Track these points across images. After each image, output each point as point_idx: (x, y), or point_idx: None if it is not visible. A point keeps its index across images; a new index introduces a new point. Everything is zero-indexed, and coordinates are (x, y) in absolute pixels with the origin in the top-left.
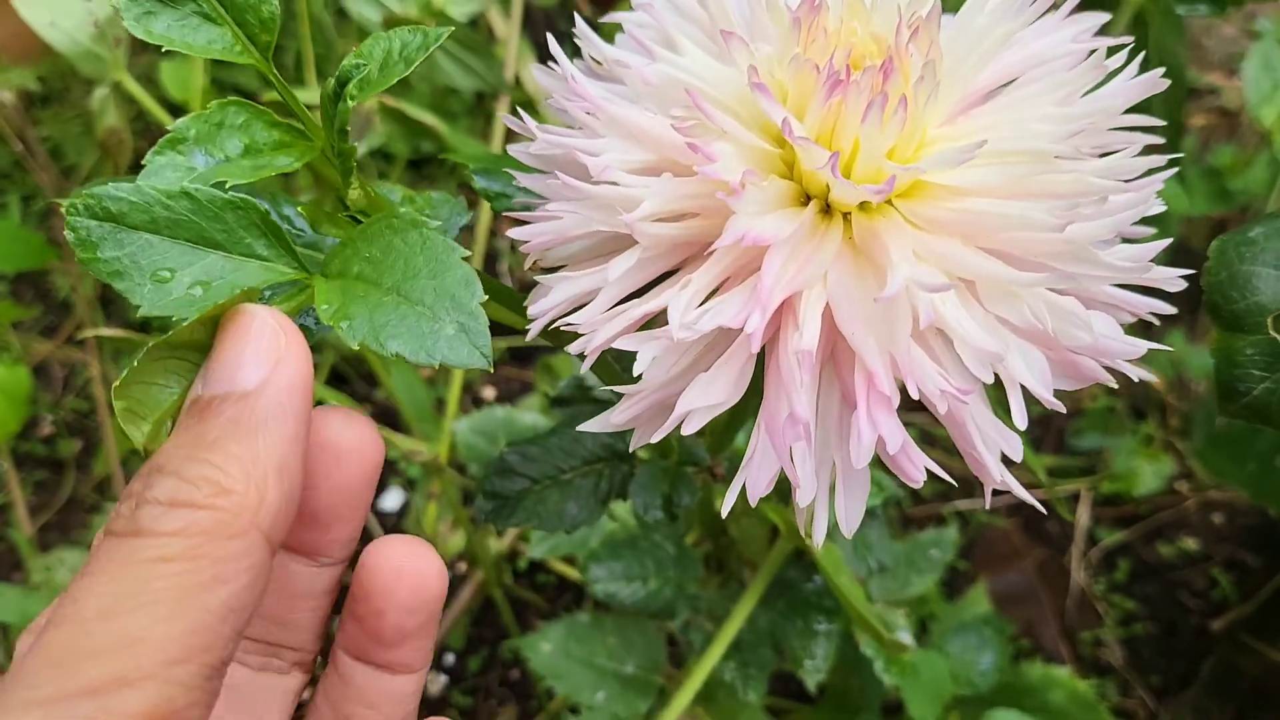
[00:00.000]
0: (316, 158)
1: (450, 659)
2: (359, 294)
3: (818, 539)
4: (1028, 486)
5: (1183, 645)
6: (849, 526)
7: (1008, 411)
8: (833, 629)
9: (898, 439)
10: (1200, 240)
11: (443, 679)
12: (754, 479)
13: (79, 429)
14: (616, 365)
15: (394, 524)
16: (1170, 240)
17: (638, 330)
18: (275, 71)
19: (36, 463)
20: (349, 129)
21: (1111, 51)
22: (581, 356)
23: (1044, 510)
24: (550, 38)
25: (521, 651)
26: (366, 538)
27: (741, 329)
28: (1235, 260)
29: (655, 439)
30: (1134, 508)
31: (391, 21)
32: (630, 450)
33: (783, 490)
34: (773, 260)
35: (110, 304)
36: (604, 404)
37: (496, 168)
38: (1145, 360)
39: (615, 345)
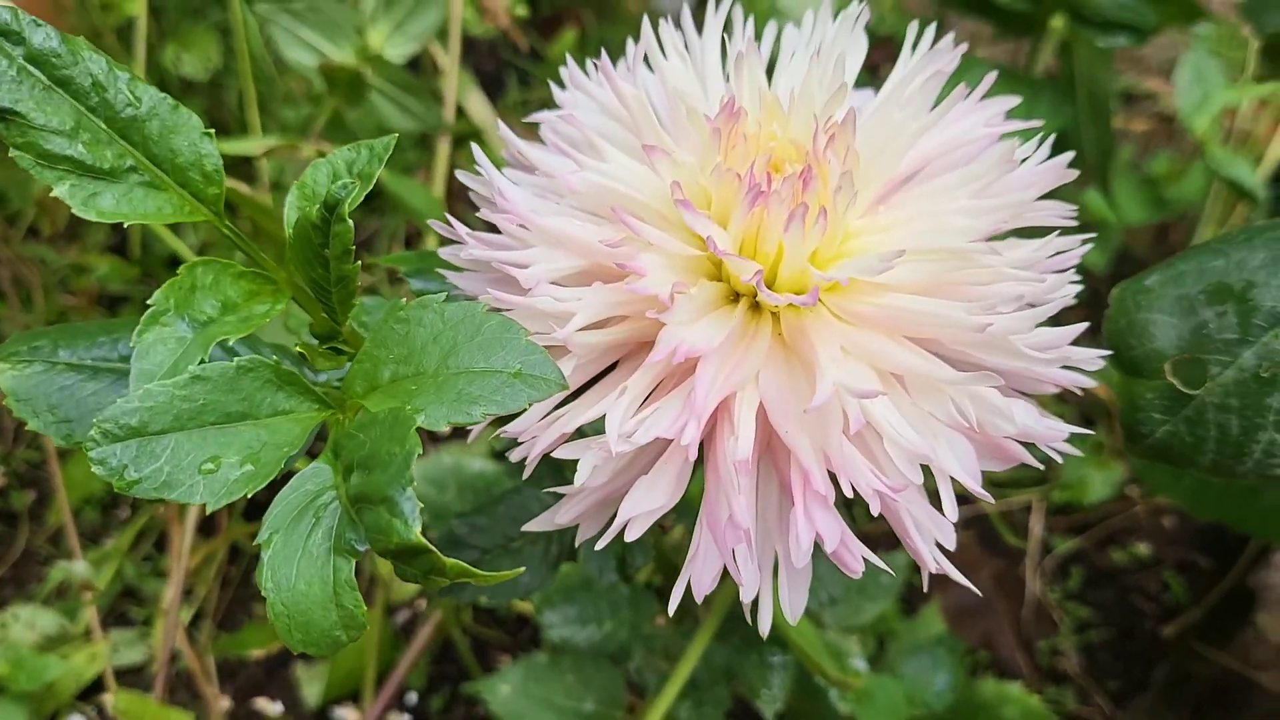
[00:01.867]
0: (294, 293)
1: (413, 698)
2: (412, 390)
3: (763, 628)
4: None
5: (1138, 650)
6: (793, 615)
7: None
8: (788, 659)
9: (835, 535)
10: (1143, 248)
11: (406, 718)
12: (698, 576)
13: (30, 480)
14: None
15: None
16: (1085, 325)
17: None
18: (228, 225)
19: None
20: (351, 249)
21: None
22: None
23: (973, 588)
24: (475, 148)
25: (481, 695)
26: None
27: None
28: (1133, 308)
29: (599, 547)
30: (1086, 515)
31: (328, 68)
32: (575, 546)
33: None
34: (705, 370)
35: None
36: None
37: (429, 268)
38: (1095, 374)
39: (555, 454)
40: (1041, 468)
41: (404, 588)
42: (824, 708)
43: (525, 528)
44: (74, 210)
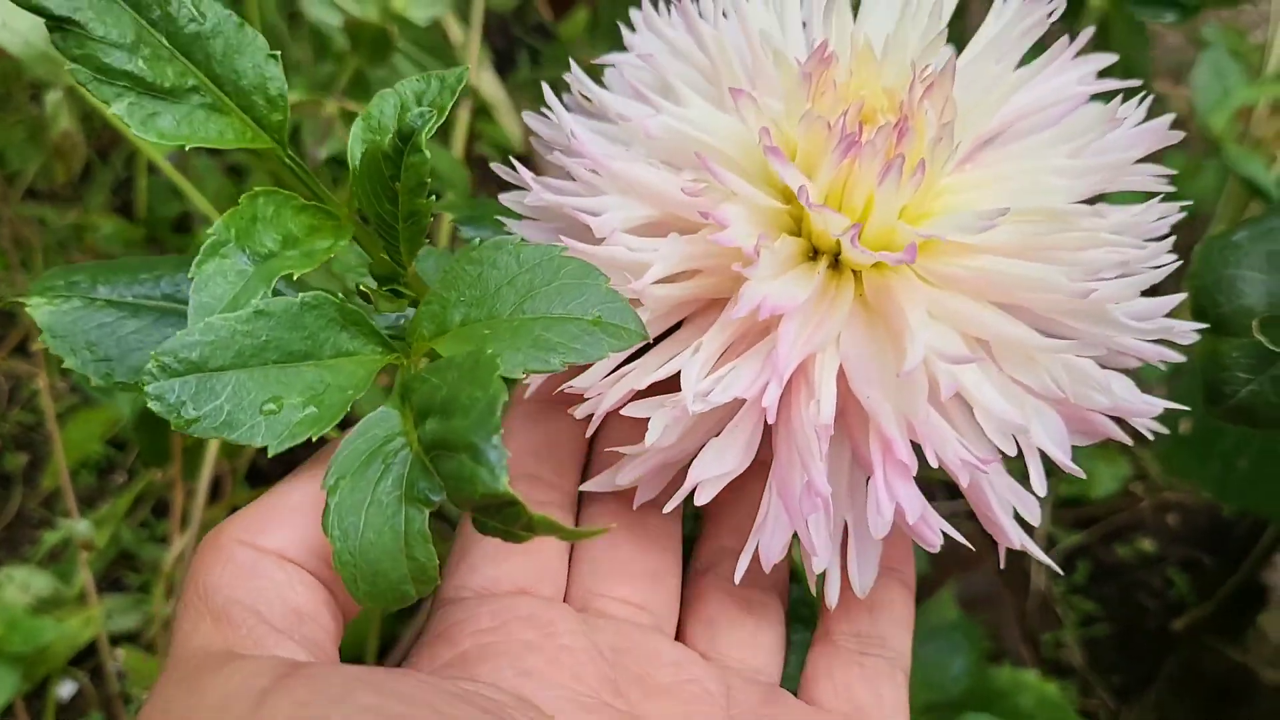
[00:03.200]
0: (355, 231)
1: None
2: (485, 334)
3: (830, 601)
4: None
5: (1141, 645)
6: (863, 589)
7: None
8: (808, 638)
9: (917, 508)
10: None
11: None
12: (767, 544)
13: (26, 442)
14: None
15: None
16: (1184, 296)
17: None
18: (291, 155)
19: None
20: (425, 181)
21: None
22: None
23: (1059, 570)
24: (547, 89)
25: None
26: None
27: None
28: (1220, 264)
29: (668, 510)
30: (1091, 510)
31: (351, 24)
32: (634, 507)
33: None
34: (788, 328)
35: None
36: None
37: (482, 216)
38: None
39: (625, 413)
40: (1130, 443)
41: None
42: None
43: (583, 487)
44: (133, 130)
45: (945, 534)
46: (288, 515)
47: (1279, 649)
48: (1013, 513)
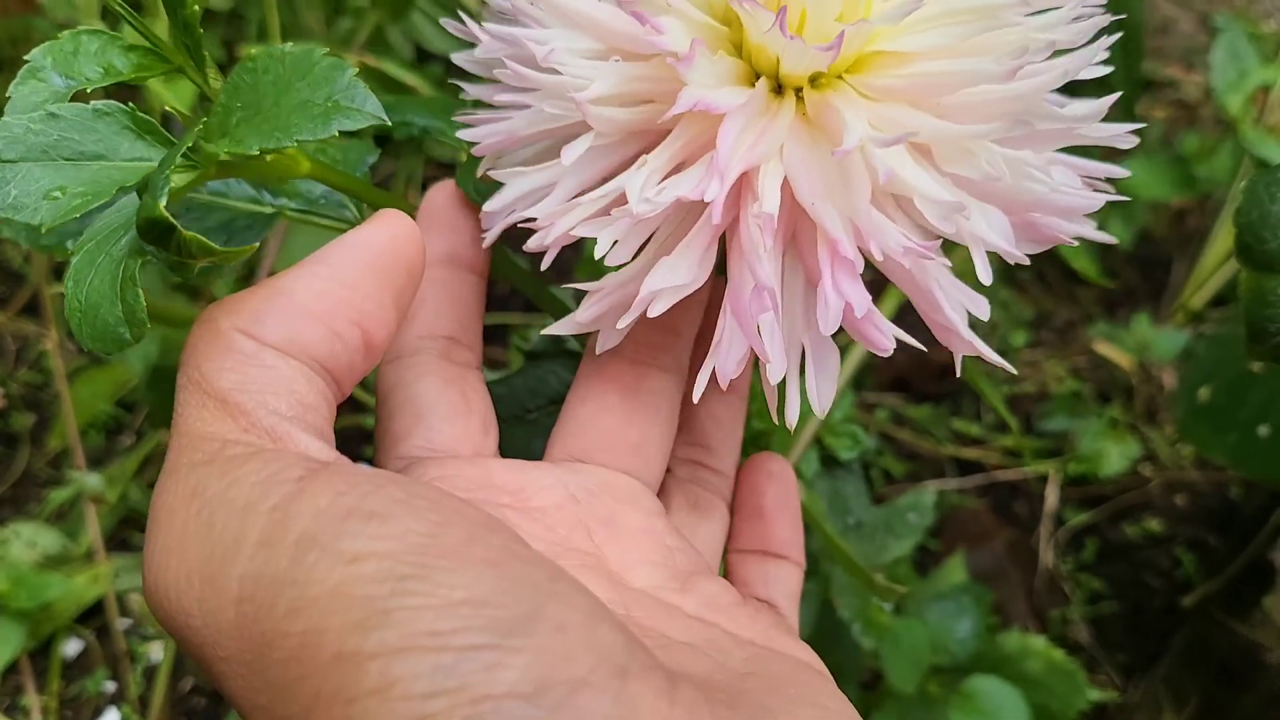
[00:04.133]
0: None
1: None
2: (248, 128)
3: (790, 419)
4: (997, 467)
5: (1148, 624)
6: (822, 404)
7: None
8: (811, 589)
9: (864, 304)
10: (1161, 229)
11: None
12: (723, 361)
13: (33, 402)
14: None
15: None
16: (1118, 94)
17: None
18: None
19: None
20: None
21: None
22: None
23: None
24: None
25: None
26: None
27: (702, 204)
28: (1266, 200)
29: (621, 325)
30: (1100, 489)
31: None
32: (598, 352)
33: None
34: (728, 129)
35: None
36: (577, 355)
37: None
38: (1111, 337)
39: (574, 233)
40: (1074, 243)
41: None
42: (846, 655)
43: (545, 331)
44: None
45: (951, 505)
46: (288, 309)
47: None
48: (966, 315)
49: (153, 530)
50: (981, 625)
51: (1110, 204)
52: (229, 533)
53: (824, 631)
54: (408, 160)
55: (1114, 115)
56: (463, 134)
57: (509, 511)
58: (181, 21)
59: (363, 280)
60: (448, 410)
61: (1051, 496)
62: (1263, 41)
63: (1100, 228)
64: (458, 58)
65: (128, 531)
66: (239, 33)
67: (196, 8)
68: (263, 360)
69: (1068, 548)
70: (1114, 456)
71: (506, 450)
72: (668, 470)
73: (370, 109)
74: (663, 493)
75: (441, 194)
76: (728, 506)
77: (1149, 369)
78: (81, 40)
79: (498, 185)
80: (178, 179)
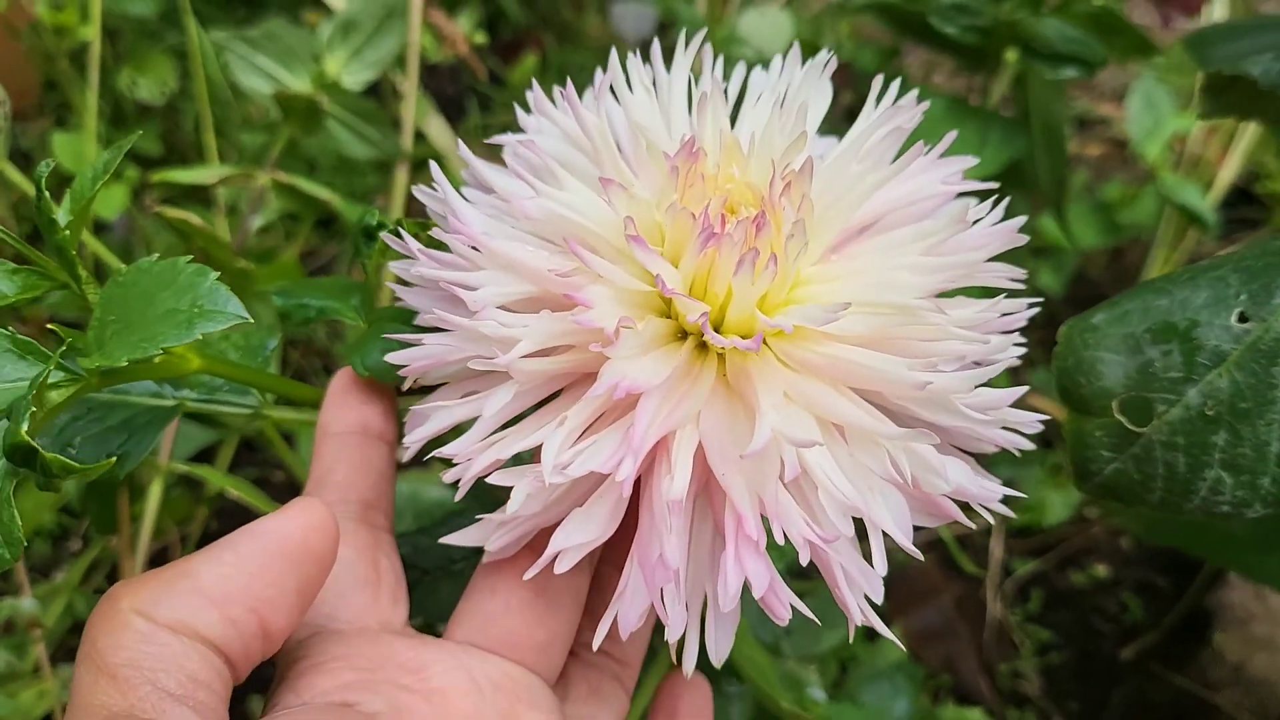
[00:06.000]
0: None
1: None
2: (120, 340)
3: (687, 668)
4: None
5: (1098, 671)
6: (718, 655)
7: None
8: (745, 689)
9: (764, 580)
10: (1097, 270)
11: None
12: (625, 613)
13: None
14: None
15: None
16: (1025, 389)
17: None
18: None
19: None
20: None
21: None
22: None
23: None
24: (433, 165)
25: None
26: None
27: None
28: (1080, 346)
29: (528, 576)
30: (1045, 537)
31: (283, 96)
32: (487, 559)
33: None
34: (646, 406)
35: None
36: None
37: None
38: (1048, 386)
39: (490, 481)
40: (974, 527)
41: None
42: None
43: (448, 539)
44: None
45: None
46: (186, 592)
47: (1235, 668)
48: (863, 595)
49: None
50: (917, 703)
51: (1040, 254)
52: None
53: (764, 716)
54: (349, 244)
55: (1042, 207)
56: (391, 357)
57: (409, 694)
58: (55, 246)
59: (268, 568)
60: (358, 580)
61: (997, 548)
62: (1188, 73)
63: (1031, 278)
64: (394, 266)
65: (75, 640)
66: (174, 125)
67: (68, 232)
68: (156, 639)
69: (1015, 598)
70: (1057, 504)
71: (431, 604)
72: (571, 652)
73: (232, 310)
74: (564, 676)
75: (349, 373)
76: (628, 695)
77: None
78: None
79: (390, 367)
80: (56, 395)
